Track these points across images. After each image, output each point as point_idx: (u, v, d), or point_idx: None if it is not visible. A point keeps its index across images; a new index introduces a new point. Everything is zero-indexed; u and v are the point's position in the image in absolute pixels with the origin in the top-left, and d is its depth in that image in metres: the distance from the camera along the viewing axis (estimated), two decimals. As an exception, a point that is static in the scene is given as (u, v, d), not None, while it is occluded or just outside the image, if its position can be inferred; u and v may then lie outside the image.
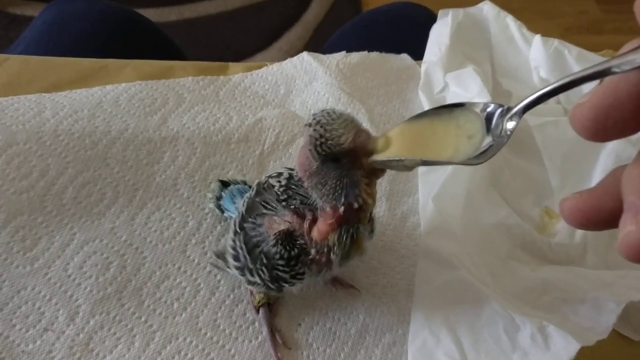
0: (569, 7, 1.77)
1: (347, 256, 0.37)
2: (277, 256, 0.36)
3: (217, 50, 1.53)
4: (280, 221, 0.37)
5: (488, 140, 0.28)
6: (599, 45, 0.59)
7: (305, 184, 0.35)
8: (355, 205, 0.34)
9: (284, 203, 0.37)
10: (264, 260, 0.37)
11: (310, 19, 1.63)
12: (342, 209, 0.34)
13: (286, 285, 0.38)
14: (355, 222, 0.35)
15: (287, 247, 0.36)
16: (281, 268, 0.37)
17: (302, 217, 0.36)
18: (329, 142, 0.32)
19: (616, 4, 1.80)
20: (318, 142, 0.32)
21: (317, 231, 0.36)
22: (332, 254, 0.36)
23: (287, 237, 0.36)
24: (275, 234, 0.36)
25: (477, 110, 0.29)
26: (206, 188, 0.49)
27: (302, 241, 0.36)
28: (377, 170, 0.33)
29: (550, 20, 1.70)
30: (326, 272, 0.38)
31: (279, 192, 0.38)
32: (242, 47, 1.55)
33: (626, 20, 1.74)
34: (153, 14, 1.52)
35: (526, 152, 0.53)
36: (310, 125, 0.32)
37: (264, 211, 0.38)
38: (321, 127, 0.32)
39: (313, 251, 0.36)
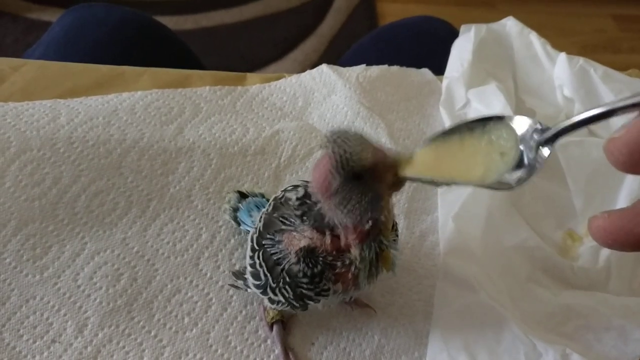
0: (587, 26, 1.76)
1: (376, 272, 0.36)
2: (301, 274, 0.35)
3: (232, 59, 1.53)
4: (299, 237, 0.35)
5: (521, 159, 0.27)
6: (616, 64, 0.58)
7: (324, 206, 0.33)
8: (382, 218, 0.33)
9: (301, 218, 0.36)
10: (287, 279, 0.36)
11: (326, 31, 1.63)
12: (369, 224, 0.33)
13: (311, 302, 0.36)
14: (377, 235, 0.34)
15: (310, 264, 0.35)
16: (305, 286, 0.35)
17: (322, 232, 0.35)
18: (353, 157, 0.31)
19: (634, 23, 1.79)
20: (341, 160, 0.31)
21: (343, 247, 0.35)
22: (354, 267, 0.34)
23: (309, 254, 0.35)
24: (296, 251, 0.35)
25: (513, 124, 0.28)
26: (221, 200, 0.48)
27: (325, 255, 0.35)
28: (398, 183, 0.32)
29: (567, 38, 1.69)
30: (353, 291, 0.36)
31: (295, 205, 0.36)
32: (257, 56, 1.55)
33: (644, 39, 1.72)
34: (169, 22, 1.52)
35: (549, 172, 0.52)
36: (327, 146, 0.31)
37: (282, 227, 0.36)
38: (339, 146, 0.31)
39: (339, 264, 0.35)
